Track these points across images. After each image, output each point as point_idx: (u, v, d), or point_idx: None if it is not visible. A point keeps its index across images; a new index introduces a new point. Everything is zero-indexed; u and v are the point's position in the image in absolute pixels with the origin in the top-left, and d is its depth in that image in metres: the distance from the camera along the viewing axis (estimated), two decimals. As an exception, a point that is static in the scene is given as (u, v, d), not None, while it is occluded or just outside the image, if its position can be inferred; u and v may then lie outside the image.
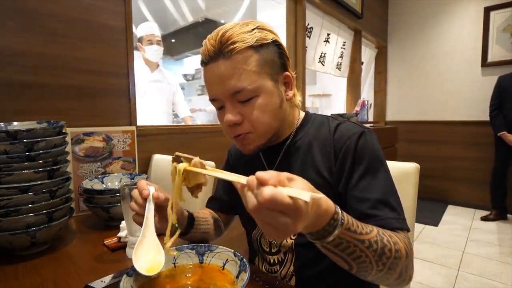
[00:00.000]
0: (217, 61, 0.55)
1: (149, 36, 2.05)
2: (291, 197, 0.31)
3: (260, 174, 0.32)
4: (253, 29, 0.56)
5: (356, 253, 0.43)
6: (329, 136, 0.62)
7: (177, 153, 0.49)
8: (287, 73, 0.61)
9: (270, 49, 0.58)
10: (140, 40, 2.08)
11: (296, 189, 0.33)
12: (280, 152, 0.67)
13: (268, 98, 0.57)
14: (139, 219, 0.55)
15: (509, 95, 2.65)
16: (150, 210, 0.53)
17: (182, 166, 0.48)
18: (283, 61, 0.61)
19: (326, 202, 0.39)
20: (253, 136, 0.60)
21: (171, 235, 0.50)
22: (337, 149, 0.60)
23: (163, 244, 0.50)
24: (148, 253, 0.49)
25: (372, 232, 0.45)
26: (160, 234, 0.53)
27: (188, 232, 0.65)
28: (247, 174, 0.75)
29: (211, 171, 0.45)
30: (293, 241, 0.64)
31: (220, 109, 0.60)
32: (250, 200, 0.33)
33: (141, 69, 2.09)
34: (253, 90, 0.56)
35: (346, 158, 0.58)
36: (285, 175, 0.35)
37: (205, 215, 0.75)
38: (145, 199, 0.54)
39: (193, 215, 0.68)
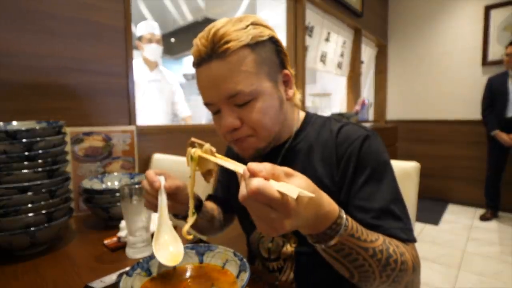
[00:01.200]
0: (210, 63, 0.51)
1: (148, 35, 2.04)
2: (279, 192, 0.30)
3: (252, 165, 0.32)
4: (248, 26, 0.51)
5: (358, 261, 0.41)
6: (330, 139, 0.59)
7: (192, 139, 0.50)
8: (286, 71, 0.58)
9: (267, 47, 0.54)
10: (139, 38, 2.07)
11: (291, 185, 0.32)
12: (279, 156, 0.63)
13: (267, 101, 0.54)
14: (151, 207, 0.58)
15: (500, 95, 2.68)
16: (163, 201, 0.55)
17: (197, 153, 0.48)
18: (281, 59, 0.57)
19: (330, 205, 0.38)
20: (254, 139, 0.56)
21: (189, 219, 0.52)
22: (339, 155, 0.56)
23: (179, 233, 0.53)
24: (167, 245, 0.50)
25: (378, 240, 0.43)
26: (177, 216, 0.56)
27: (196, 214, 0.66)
28: None
29: (219, 158, 0.46)
30: (293, 248, 0.62)
31: (216, 113, 0.57)
32: (241, 190, 0.32)
33: (140, 69, 2.08)
34: (250, 93, 0.52)
35: (349, 164, 0.55)
36: (283, 169, 0.34)
37: (210, 203, 0.76)
38: (157, 190, 0.55)
39: (200, 198, 0.68)
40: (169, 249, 0.50)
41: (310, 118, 0.66)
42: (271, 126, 0.56)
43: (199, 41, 0.52)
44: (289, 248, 0.63)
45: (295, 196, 0.30)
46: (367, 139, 0.55)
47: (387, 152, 0.57)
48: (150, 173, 0.57)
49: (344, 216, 0.40)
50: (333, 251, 0.40)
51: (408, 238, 0.50)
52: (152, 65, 2.12)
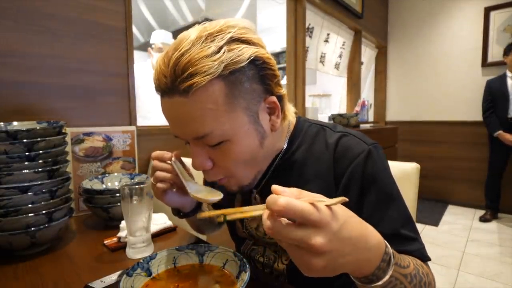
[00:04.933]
0: (172, 97, 0.42)
1: (160, 44, 2.07)
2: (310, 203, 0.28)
3: (276, 187, 0.30)
4: (221, 48, 0.41)
5: None
6: (327, 153, 0.53)
7: None
8: (271, 97, 0.48)
9: (246, 74, 0.43)
10: (151, 45, 2.11)
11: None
12: (268, 171, 0.57)
13: (242, 142, 0.46)
14: (165, 185, 0.55)
15: (501, 97, 2.70)
16: (180, 167, 0.55)
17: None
18: (266, 85, 0.47)
19: (376, 236, 0.33)
20: (233, 180, 0.50)
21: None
22: (339, 172, 0.51)
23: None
24: (202, 188, 0.52)
25: (410, 265, 0.41)
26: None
27: (195, 212, 0.65)
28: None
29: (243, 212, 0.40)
30: (284, 266, 0.59)
31: (187, 143, 0.50)
32: (265, 222, 0.29)
33: (146, 73, 2.07)
34: (221, 135, 0.44)
35: (351, 185, 0.50)
36: (309, 194, 0.31)
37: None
38: (169, 161, 0.55)
39: None
40: (205, 191, 0.52)
41: (302, 125, 0.59)
42: (248, 168, 0.50)
43: (159, 68, 0.43)
44: (280, 265, 0.60)
45: (324, 204, 0.27)
46: (370, 155, 0.50)
47: (388, 163, 0.54)
48: (156, 152, 0.55)
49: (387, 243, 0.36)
50: (382, 287, 0.35)
51: (426, 258, 0.48)
52: None
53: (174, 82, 0.41)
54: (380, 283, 0.34)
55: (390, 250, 0.35)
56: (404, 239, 0.48)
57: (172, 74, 0.41)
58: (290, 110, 0.56)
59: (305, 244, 0.27)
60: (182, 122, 0.44)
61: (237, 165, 0.48)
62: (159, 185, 0.54)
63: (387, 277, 0.34)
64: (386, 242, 0.35)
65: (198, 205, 0.66)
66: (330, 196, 0.49)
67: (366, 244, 0.32)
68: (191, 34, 0.42)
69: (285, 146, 0.56)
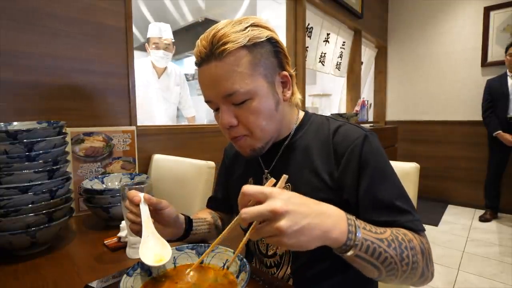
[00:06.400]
0: (209, 63, 0.54)
1: (155, 39, 1.88)
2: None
3: (244, 186, 0.40)
4: (246, 27, 0.54)
5: (382, 255, 0.44)
6: (328, 138, 0.60)
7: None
8: (284, 72, 0.59)
9: (264, 48, 0.55)
10: (148, 41, 1.94)
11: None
12: (277, 152, 0.65)
13: (262, 101, 0.55)
14: (136, 227, 0.56)
15: (501, 97, 2.70)
16: (145, 213, 0.55)
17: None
18: (279, 59, 0.58)
19: (328, 204, 0.43)
20: (250, 139, 0.58)
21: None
22: (338, 153, 0.58)
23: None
24: (154, 249, 0.50)
25: (386, 231, 0.47)
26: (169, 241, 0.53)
27: (187, 235, 0.66)
28: (244, 174, 0.74)
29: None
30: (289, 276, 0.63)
31: (216, 110, 0.59)
32: (241, 212, 0.37)
33: (148, 71, 1.95)
34: (246, 93, 0.54)
35: (350, 164, 0.56)
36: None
37: (204, 215, 0.75)
38: (138, 205, 0.55)
39: (190, 217, 0.68)
40: (155, 252, 0.50)
41: (309, 117, 0.67)
42: (265, 126, 0.57)
43: (200, 42, 0.55)
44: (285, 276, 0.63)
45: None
46: (367, 138, 0.57)
47: (382, 147, 0.59)
48: (131, 191, 0.57)
49: (348, 214, 0.44)
50: (363, 252, 0.43)
51: (418, 229, 0.53)
52: (159, 71, 1.97)
53: (212, 49, 0.53)
54: (356, 249, 0.42)
55: (351, 216, 0.44)
56: (398, 211, 0.53)
57: (210, 44, 0.53)
58: (297, 93, 0.64)
59: (270, 210, 0.36)
60: (216, 82, 0.54)
61: (256, 122, 0.56)
62: (131, 226, 0.57)
63: (360, 235, 0.42)
64: (347, 213, 0.44)
65: (189, 226, 0.66)
66: (332, 172, 0.59)
67: (320, 208, 0.41)
68: (223, 22, 0.55)
69: (292, 133, 0.65)
